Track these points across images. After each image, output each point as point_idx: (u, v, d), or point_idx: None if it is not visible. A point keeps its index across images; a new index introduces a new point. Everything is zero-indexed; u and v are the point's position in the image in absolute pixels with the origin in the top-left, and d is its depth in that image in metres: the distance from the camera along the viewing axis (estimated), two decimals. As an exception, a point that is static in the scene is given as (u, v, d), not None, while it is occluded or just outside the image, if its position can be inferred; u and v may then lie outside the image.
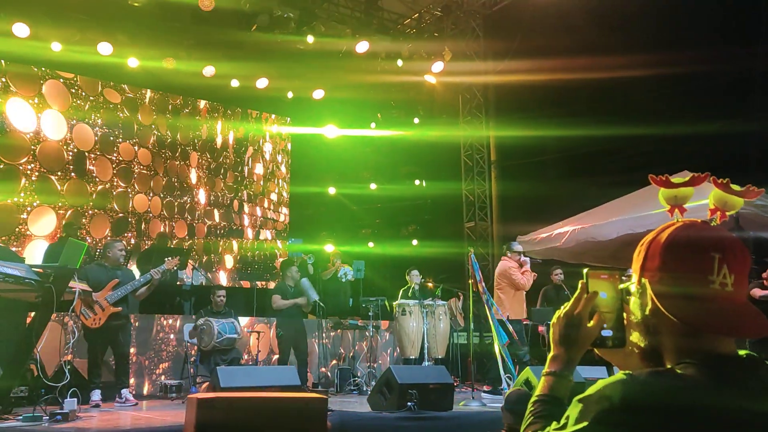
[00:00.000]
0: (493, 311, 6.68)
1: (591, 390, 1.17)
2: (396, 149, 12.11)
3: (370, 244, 12.62)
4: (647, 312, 1.26)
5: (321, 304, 8.43)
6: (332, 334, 9.42)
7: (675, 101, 9.95)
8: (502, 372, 6.68)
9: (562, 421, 1.18)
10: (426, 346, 8.23)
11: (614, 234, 8.68)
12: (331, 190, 12.77)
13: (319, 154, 12.64)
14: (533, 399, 1.40)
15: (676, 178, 1.48)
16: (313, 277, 9.50)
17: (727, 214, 1.44)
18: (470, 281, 7.08)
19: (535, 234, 9.94)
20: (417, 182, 12.69)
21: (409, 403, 5.41)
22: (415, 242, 12.01)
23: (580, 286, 1.44)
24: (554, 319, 1.45)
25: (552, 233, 9.68)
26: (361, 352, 9.49)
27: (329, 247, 11.20)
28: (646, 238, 1.33)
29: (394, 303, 8.71)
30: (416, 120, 12.33)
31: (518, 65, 10.89)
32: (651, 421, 1.09)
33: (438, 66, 11.07)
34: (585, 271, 1.45)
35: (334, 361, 9.30)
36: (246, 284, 11.27)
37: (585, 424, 1.13)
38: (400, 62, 10.92)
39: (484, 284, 6.83)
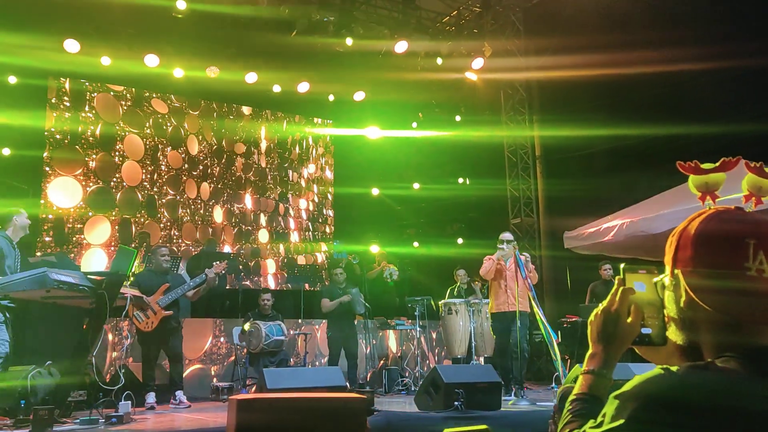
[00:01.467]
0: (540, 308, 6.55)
1: (627, 386, 1.15)
2: (438, 148, 12.06)
3: (415, 244, 12.60)
4: (682, 305, 1.23)
5: (367, 305, 8.48)
6: (379, 334, 9.45)
7: (728, 94, 9.60)
8: (560, 370, 6.56)
9: (599, 419, 1.15)
10: (473, 344, 8.19)
11: (665, 227, 8.41)
12: (375, 191, 12.81)
13: (361, 156, 12.70)
14: (571, 398, 1.38)
15: (706, 164, 1.42)
16: (359, 278, 9.56)
17: (763, 199, 1.37)
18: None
19: (582, 229, 9.73)
20: (460, 180, 12.61)
21: (455, 403, 5.38)
22: (460, 241, 11.93)
23: (616, 282, 1.42)
24: (591, 317, 1.43)
25: (600, 228, 9.47)
26: (409, 352, 9.49)
27: (375, 248, 11.24)
28: (677, 228, 1.29)
29: (440, 302, 8.69)
30: (458, 118, 12.25)
31: (561, 59, 10.69)
32: (690, 417, 1.05)
33: (478, 62, 10.98)
34: (622, 266, 1.42)
35: (382, 362, 9.34)
36: (292, 287, 11.41)
37: (621, 421, 1.10)
38: (439, 60, 10.88)
39: (529, 281, 6.73)
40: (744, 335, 1.15)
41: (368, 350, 9.07)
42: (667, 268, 1.27)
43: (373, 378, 9.03)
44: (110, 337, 7.68)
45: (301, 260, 12.45)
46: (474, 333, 8.19)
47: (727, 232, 1.19)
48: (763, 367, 1.11)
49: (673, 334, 1.27)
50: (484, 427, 1.17)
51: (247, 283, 11.28)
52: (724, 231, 1.20)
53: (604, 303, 1.43)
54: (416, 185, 12.97)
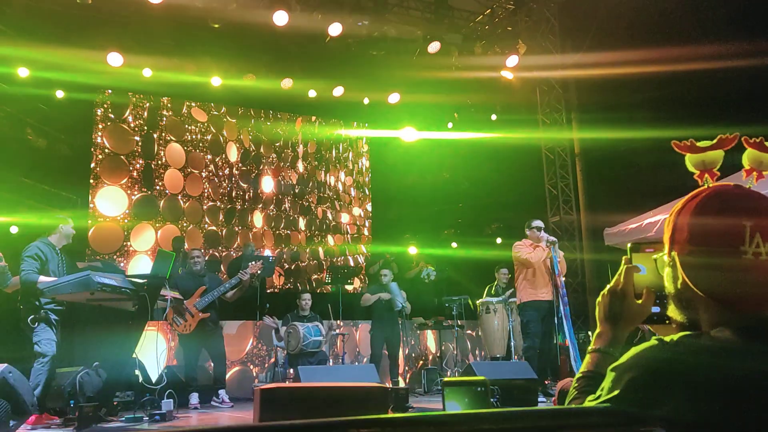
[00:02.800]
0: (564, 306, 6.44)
1: (623, 358, 1.16)
2: (475, 147, 12.01)
3: (454, 245, 12.57)
4: (679, 286, 1.23)
5: (405, 305, 8.50)
6: (418, 334, 9.47)
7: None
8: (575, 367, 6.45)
9: (598, 393, 1.17)
10: (512, 343, 8.12)
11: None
12: (412, 193, 12.84)
13: (398, 157, 12.75)
14: (578, 375, 1.40)
15: (702, 142, 1.42)
16: (397, 277, 9.60)
17: (765, 173, 1.34)
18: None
19: (623, 225, 9.56)
20: (498, 179, 12.53)
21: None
22: (499, 240, 11.85)
23: (623, 261, 1.43)
24: (599, 297, 1.44)
25: (642, 223, 9.27)
26: (448, 351, 9.47)
27: (412, 250, 11.26)
28: (675, 207, 1.29)
29: (478, 301, 8.66)
30: (493, 116, 12.18)
31: (598, 55, 10.52)
32: (683, 384, 1.06)
33: (513, 60, 10.90)
34: (628, 245, 1.43)
35: (421, 362, 9.34)
36: (326, 290, 11.52)
37: (617, 392, 1.11)
38: (473, 60, 10.84)
39: (562, 278, 6.64)
40: (739, 315, 1.14)
41: (407, 350, 9.10)
42: (665, 248, 1.27)
43: (412, 378, 9.06)
44: (155, 338, 7.90)
45: (339, 262, 12.56)
46: (513, 332, 8.13)
47: (723, 214, 1.17)
48: (757, 336, 1.10)
49: (673, 312, 1.27)
50: (482, 378, 1.21)
51: (288, 285, 11.45)
52: (719, 212, 1.18)
53: (611, 283, 1.44)
54: (454, 186, 12.95)
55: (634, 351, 1.16)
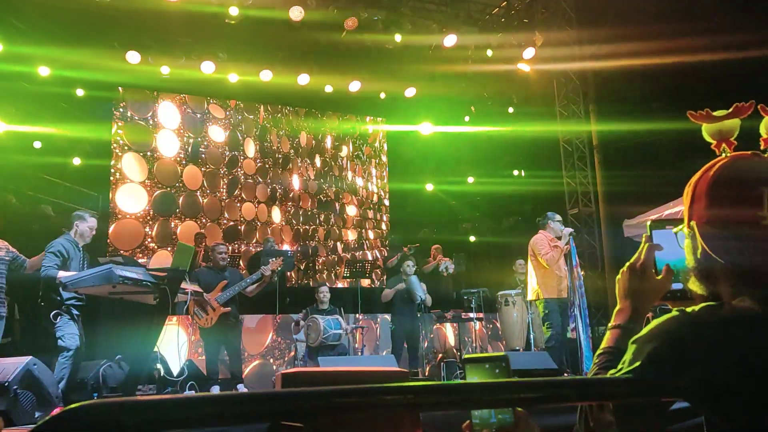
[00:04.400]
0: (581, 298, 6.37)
1: (644, 330, 1.16)
2: (492, 141, 11.96)
3: (472, 238, 12.54)
4: (699, 256, 1.22)
5: (426, 297, 8.50)
6: (436, 327, 9.46)
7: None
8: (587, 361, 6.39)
9: (619, 366, 1.17)
10: (532, 336, 8.08)
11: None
12: (429, 187, 12.82)
13: (415, 151, 12.73)
14: (598, 352, 1.40)
15: (718, 111, 1.39)
16: (415, 271, 9.59)
17: None
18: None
19: (643, 216, 9.47)
20: (515, 173, 12.47)
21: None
22: (517, 233, 11.79)
23: (643, 238, 1.42)
24: (619, 274, 1.44)
25: (662, 214, 9.20)
26: (467, 344, 9.45)
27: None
28: (693, 178, 1.28)
29: (497, 294, 8.63)
30: (511, 109, 12.11)
31: (616, 46, 10.39)
32: (704, 353, 1.06)
33: (529, 52, 10.83)
34: (648, 222, 1.42)
35: (441, 355, 9.33)
36: (345, 283, 11.56)
37: (638, 363, 1.11)
38: (489, 53, 10.79)
39: (579, 269, 6.58)
40: (761, 284, 1.13)
41: (426, 343, 9.10)
42: (685, 219, 1.27)
43: (431, 371, 9.05)
44: (176, 331, 7.98)
45: (358, 256, 12.59)
46: (532, 324, 8.09)
47: (740, 182, 1.17)
48: None
49: (694, 285, 1.27)
50: (502, 353, 1.22)
51: (307, 279, 11.50)
52: (737, 180, 1.17)
53: (632, 259, 1.44)
54: (471, 179, 12.91)
55: (655, 323, 1.16)
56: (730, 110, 1.41)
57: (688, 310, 1.13)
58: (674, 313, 1.14)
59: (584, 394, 1.07)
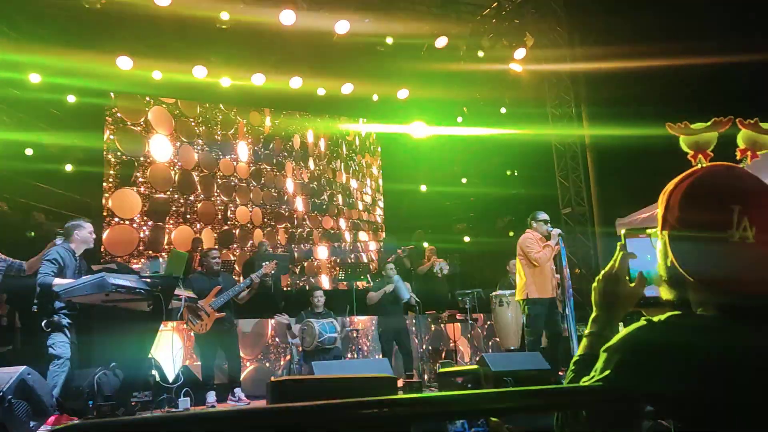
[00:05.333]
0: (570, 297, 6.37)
1: (614, 339, 1.19)
2: (485, 141, 11.99)
3: (466, 239, 12.57)
4: (668, 264, 1.24)
5: (416, 299, 8.51)
6: (432, 328, 9.48)
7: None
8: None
9: (592, 373, 1.19)
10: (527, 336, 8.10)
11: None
12: (423, 188, 12.85)
13: (408, 153, 12.76)
14: (574, 359, 1.43)
15: (696, 124, 1.42)
16: (409, 273, 9.62)
17: (759, 153, 1.35)
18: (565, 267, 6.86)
19: (635, 215, 9.51)
20: (509, 173, 12.50)
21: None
22: (511, 234, 11.81)
23: (618, 247, 1.45)
24: (595, 282, 1.47)
25: (653, 213, 9.21)
26: (462, 345, 9.48)
27: (425, 244, 11.27)
28: (668, 185, 1.30)
29: (491, 294, 8.66)
30: (503, 110, 12.15)
31: (607, 47, 10.43)
32: (668, 362, 1.08)
33: (520, 53, 10.87)
34: (622, 231, 1.45)
35: (436, 356, 9.35)
36: (342, 286, 11.58)
37: (608, 372, 1.14)
38: (481, 53, 10.82)
39: (568, 269, 6.58)
40: (723, 293, 1.15)
41: (421, 344, 9.11)
42: (658, 226, 1.29)
43: (427, 372, 9.06)
44: (171, 338, 7.98)
45: (352, 258, 12.61)
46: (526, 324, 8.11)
47: (712, 197, 1.18)
48: (743, 315, 1.12)
49: (665, 292, 1.29)
50: (475, 367, 1.24)
51: (302, 283, 11.51)
52: (708, 195, 1.19)
53: (606, 267, 1.46)
54: (464, 180, 12.94)
55: (624, 332, 1.19)
56: (709, 124, 1.43)
57: (655, 319, 1.16)
58: (642, 322, 1.17)
59: (557, 403, 1.09)
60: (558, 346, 6.88)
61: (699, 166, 1.35)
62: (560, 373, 6.84)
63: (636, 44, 9.59)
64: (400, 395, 1.03)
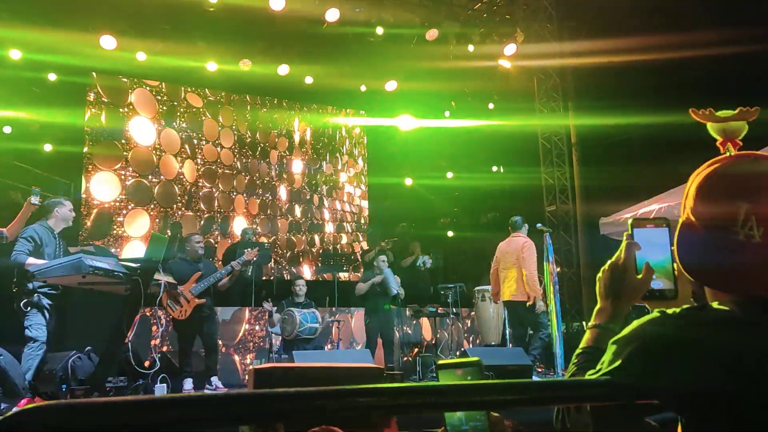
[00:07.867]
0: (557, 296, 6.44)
1: (625, 331, 1.15)
2: (472, 136, 11.97)
3: (450, 233, 12.56)
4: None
5: (401, 291, 8.48)
6: (413, 322, 9.46)
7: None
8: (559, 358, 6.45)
9: (598, 366, 1.15)
10: (507, 331, 8.11)
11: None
12: (408, 181, 12.81)
13: (394, 146, 12.70)
14: (577, 351, 1.38)
15: (721, 112, 1.37)
16: (392, 265, 9.57)
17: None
18: (546, 264, 6.90)
19: (618, 214, 9.54)
20: (494, 169, 12.50)
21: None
22: (494, 229, 11.83)
23: (624, 236, 1.40)
24: (600, 273, 1.42)
25: (637, 213, 9.27)
26: (443, 339, 9.47)
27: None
28: (697, 170, 1.26)
29: (474, 289, 8.65)
30: (491, 105, 12.13)
31: (596, 43, 10.45)
32: (682, 357, 1.05)
33: (510, 49, 10.85)
34: (629, 221, 1.40)
35: (417, 350, 9.34)
36: (328, 276, 11.51)
37: (618, 363, 1.10)
38: (471, 48, 10.79)
39: (554, 267, 6.63)
40: (735, 289, 1.12)
41: (402, 338, 9.09)
42: (682, 213, 1.25)
43: (407, 365, 9.05)
44: (149, 323, 7.87)
45: (335, 249, 12.54)
46: (507, 320, 8.12)
47: (723, 192, 1.15)
48: (760, 307, 1.08)
49: (682, 284, 1.26)
50: (476, 359, 1.19)
51: (284, 273, 11.42)
52: (720, 189, 1.16)
53: (613, 258, 1.42)
54: (450, 174, 12.92)
55: (636, 323, 1.15)
56: (735, 113, 1.39)
57: (669, 311, 1.12)
58: (655, 314, 1.13)
59: (562, 396, 1.04)
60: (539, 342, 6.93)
61: (727, 154, 1.31)
62: (539, 369, 6.89)
63: (624, 40, 9.62)
64: (403, 383, 0.98)
